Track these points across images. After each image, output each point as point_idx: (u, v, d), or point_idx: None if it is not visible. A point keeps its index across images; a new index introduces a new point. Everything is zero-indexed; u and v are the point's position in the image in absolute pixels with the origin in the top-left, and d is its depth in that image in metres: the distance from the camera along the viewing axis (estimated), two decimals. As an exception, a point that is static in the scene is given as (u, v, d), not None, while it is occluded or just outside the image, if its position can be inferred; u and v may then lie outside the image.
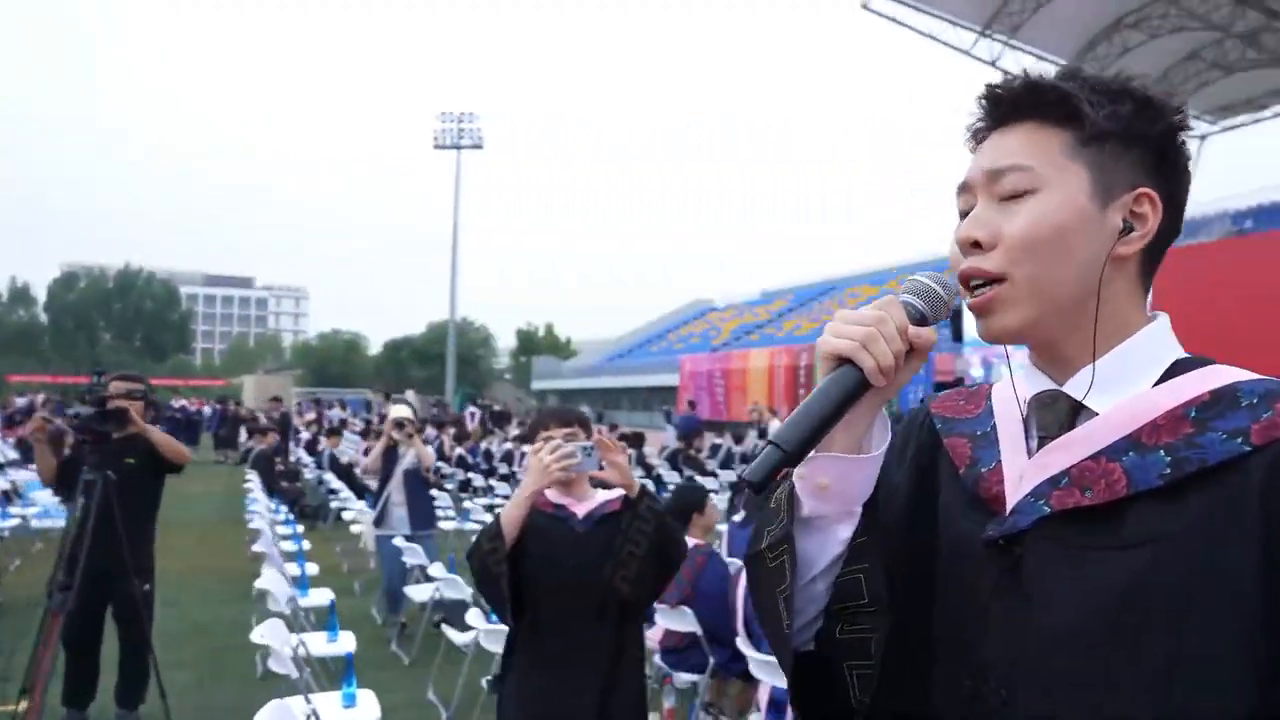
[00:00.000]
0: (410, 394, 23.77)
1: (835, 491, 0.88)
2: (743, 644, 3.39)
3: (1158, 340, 0.91)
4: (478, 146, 47.27)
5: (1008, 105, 0.92)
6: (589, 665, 2.40)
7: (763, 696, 3.34)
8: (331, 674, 4.42)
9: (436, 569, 5.24)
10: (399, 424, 6.16)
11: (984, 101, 0.94)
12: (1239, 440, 0.79)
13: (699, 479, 10.15)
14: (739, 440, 14.91)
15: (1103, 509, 0.82)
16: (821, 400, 0.82)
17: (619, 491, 2.60)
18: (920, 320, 0.88)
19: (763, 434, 15.73)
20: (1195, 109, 35.61)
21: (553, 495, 2.55)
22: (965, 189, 0.94)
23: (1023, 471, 0.89)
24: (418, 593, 5.67)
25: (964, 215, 0.93)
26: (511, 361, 70.61)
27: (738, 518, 5.23)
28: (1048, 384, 0.92)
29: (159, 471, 4.46)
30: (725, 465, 13.63)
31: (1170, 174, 0.91)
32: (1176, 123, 0.90)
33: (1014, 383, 0.96)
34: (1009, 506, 0.88)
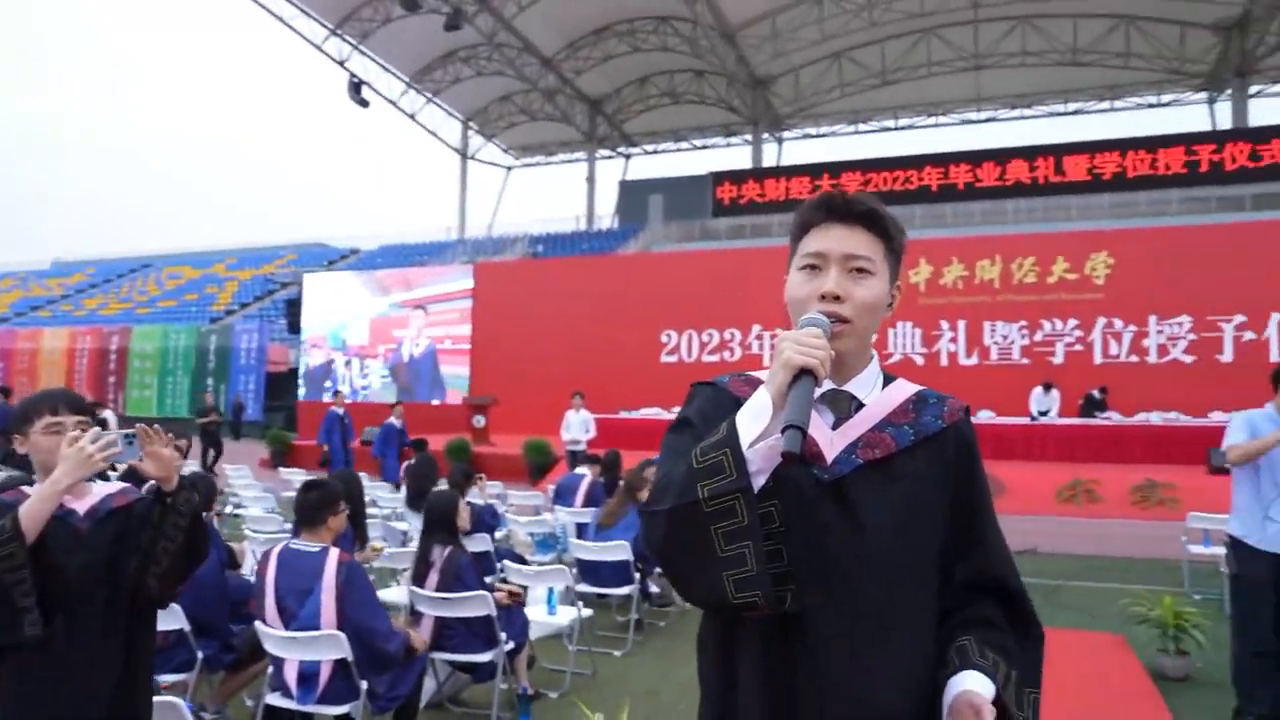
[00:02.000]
0: None
1: (778, 455, 1.31)
2: (275, 621, 3.39)
3: (877, 364, 1.52)
4: None
5: (853, 215, 1.45)
6: (98, 668, 2.26)
7: (290, 674, 3.39)
8: None
9: None
10: None
11: (833, 204, 1.46)
12: (940, 421, 1.46)
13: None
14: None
15: (883, 460, 1.40)
16: (804, 397, 1.26)
17: (118, 485, 2.51)
18: None
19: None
20: (504, 144, 41.18)
21: None
22: (821, 255, 1.44)
23: (831, 439, 1.42)
24: None
25: (812, 269, 1.45)
26: None
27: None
28: (829, 384, 1.45)
29: None
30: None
31: (899, 272, 1.53)
32: (905, 245, 1.54)
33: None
34: (829, 461, 1.40)
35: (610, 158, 40.88)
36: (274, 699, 3.48)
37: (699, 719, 1.50)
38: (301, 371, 25.62)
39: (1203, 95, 33.45)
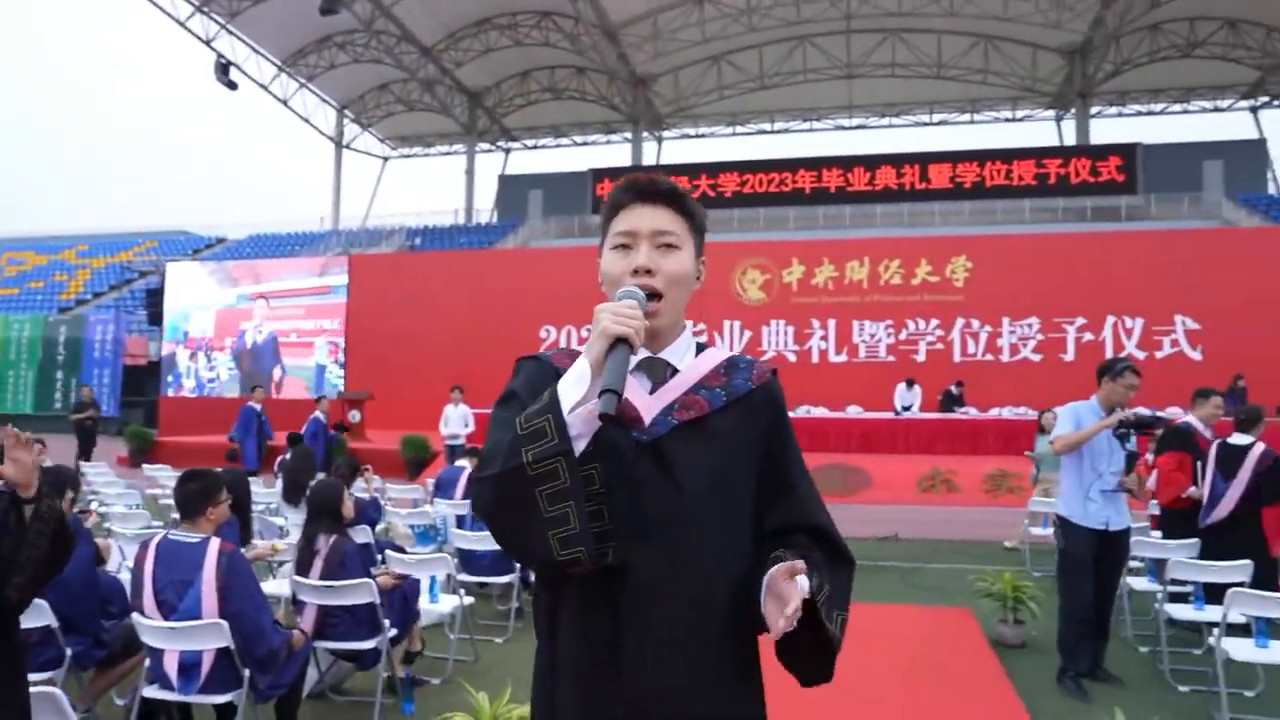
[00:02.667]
0: None
1: (594, 422, 1.37)
2: (153, 613, 3.34)
3: (690, 333, 1.62)
4: None
5: (657, 195, 1.55)
6: None
7: (170, 665, 3.35)
8: None
9: None
10: None
11: (638, 186, 1.56)
12: (750, 382, 1.56)
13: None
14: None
15: (697, 420, 1.49)
16: (620, 364, 1.34)
17: None
18: None
19: None
20: (381, 134, 40.25)
21: None
22: (631, 234, 1.53)
23: (648, 403, 1.50)
24: None
25: (624, 247, 1.54)
26: None
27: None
28: (645, 352, 1.53)
29: None
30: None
31: (703, 248, 1.64)
32: (706, 222, 1.65)
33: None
34: (647, 423, 1.48)
35: (490, 151, 40.53)
36: (151, 691, 3.44)
37: (534, 676, 1.56)
38: (164, 364, 24.49)
39: (1051, 113, 35.85)
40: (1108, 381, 4.79)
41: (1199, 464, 5.95)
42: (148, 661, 3.51)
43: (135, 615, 3.40)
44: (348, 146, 39.52)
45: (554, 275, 20.60)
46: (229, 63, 30.27)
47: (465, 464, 8.17)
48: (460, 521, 7.12)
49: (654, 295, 1.50)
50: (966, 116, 37.08)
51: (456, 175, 39.27)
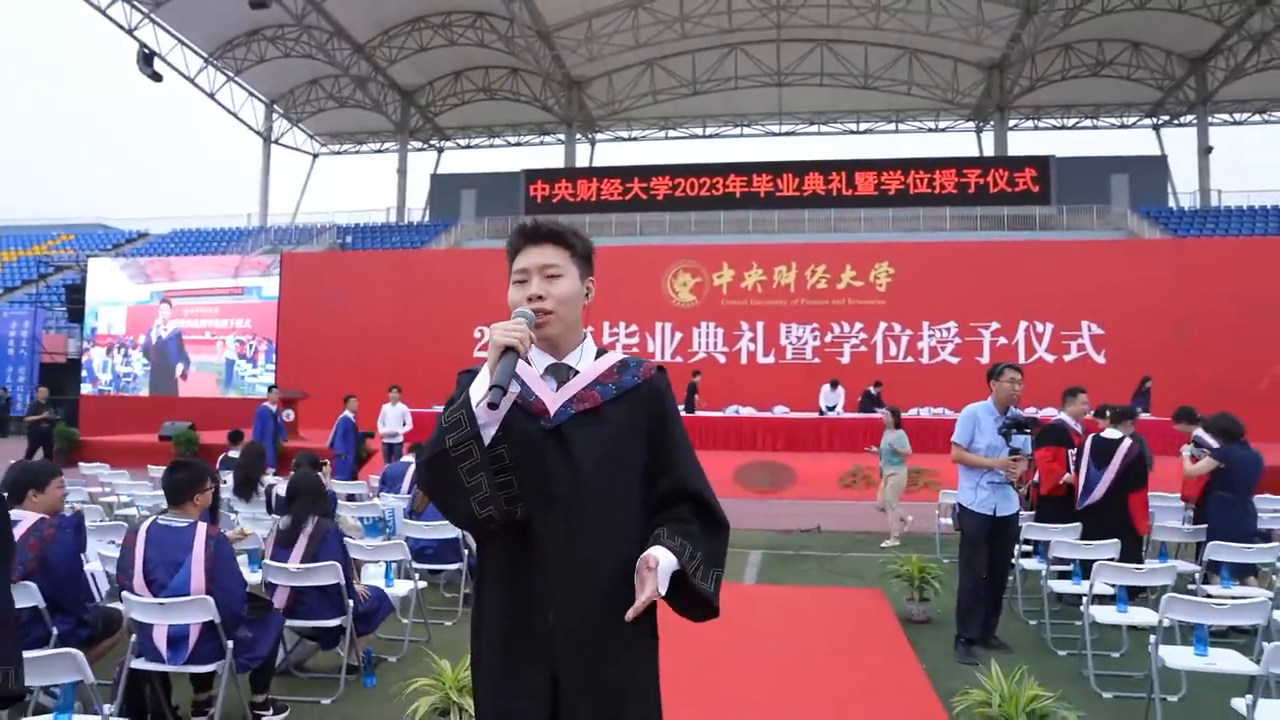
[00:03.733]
0: None
1: (499, 412, 1.75)
2: (143, 591, 3.63)
3: (589, 340, 1.99)
4: None
5: (541, 235, 1.91)
6: None
7: (159, 638, 3.65)
8: None
9: None
10: None
11: (526, 231, 1.93)
12: (636, 378, 1.92)
13: None
14: None
15: (593, 410, 1.85)
16: (509, 367, 1.69)
17: None
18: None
19: None
20: (311, 129, 39.76)
21: None
22: (525, 271, 1.89)
23: (553, 398, 1.87)
24: None
25: (520, 282, 1.89)
26: None
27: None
28: (550, 359, 1.91)
29: None
30: None
31: (591, 269, 1.99)
32: (592, 248, 2.00)
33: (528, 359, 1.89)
34: (552, 414, 1.84)
35: (422, 150, 40.32)
36: (139, 663, 3.74)
37: (470, 619, 1.94)
38: (85, 362, 23.97)
39: (971, 125, 37.29)
40: (994, 383, 5.50)
41: (1071, 455, 6.68)
42: (135, 636, 3.81)
43: (125, 594, 3.71)
44: (276, 142, 38.93)
45: (487, 275, 20.74)
46: (152, 53, 29.63)
47: (411, 459, 8.49)
48: (407, 514, 7.44)
49: (544, 314, 1.89)
50: (892, 126, 38.31)
51: (388, 174, 38.96)
